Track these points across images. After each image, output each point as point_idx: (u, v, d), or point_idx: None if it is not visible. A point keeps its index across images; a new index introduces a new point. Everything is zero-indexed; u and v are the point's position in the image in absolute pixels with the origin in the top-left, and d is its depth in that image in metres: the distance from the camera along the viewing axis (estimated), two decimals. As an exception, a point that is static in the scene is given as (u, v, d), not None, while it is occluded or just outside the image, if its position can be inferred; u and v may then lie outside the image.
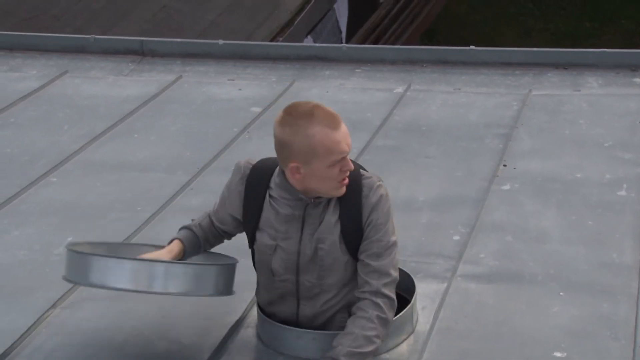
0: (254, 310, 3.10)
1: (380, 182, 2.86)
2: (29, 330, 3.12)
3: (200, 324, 3.11)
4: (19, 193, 4.03)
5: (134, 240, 3.63)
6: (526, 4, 18.30)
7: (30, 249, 3.61)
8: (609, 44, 14.17)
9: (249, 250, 2.99)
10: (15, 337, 3.08)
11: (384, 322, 2.80)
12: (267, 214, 2.88)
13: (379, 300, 2.80)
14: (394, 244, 2.85)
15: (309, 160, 2.76)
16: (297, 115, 2.76)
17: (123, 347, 3.02)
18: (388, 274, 2.82)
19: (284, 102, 3.16)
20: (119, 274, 2.81)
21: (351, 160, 2.82)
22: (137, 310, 3.20)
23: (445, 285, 3.29)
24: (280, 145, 2.80)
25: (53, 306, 3.24)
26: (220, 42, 5.51)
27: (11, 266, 3.50)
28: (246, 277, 3.03)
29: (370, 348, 2.76)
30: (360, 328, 2.77)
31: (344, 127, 2.78)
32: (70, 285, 3.32)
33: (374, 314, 2.78)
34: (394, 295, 2.84)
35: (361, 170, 2.88)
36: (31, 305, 3.24)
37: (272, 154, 2.92)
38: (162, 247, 3.00)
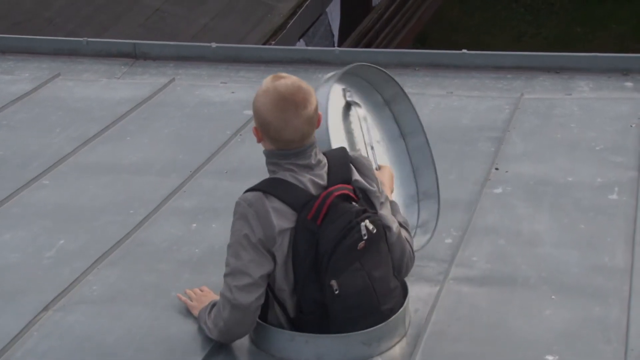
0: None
1: (239, 200, 2.87)
2: (20, 332, 3.11)
3: (193, 327, 3.10)
4: (11, 195, 4.01)
5: (127, 242, 3.62)
6: (518, 8, 18.34)
7: (23, 252, 3.60)
8: (601, 48, 14.19)
9: None
10: (7, 340, 3.07)
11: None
12: None
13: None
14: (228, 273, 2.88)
15: None
16: (297, 84, 2.87)
17: (115, 350, 3.01)
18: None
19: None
20: None
21: None
22: (129, 313, 3.20)
23: (437, 288, 3.28)
24: (311, 119, 2.87)
25: (45, 309, 3.23)
26: (213, 45, 5.50)
27: (3, 269, 3.49)
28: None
29: None
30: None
31: None
32: (63, 287, 3.32)
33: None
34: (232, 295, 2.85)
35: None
36: (23, 308, 3.23)
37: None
38: None
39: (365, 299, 2.87)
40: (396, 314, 2.96)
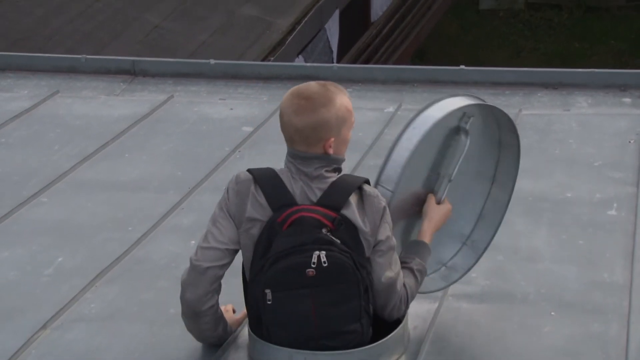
0: (245, 331, 3.08)
1: (235, 175, 2.96)
2: (19, 351, 3.09)
3: (191, 345, 3.09)
4: (10, 213, 4.01)
5: (125, 259, 3.62)
6: (516, 24, 18.39)
7: (21, 270, 3.59)
8: (599, 64, 14.21)
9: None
10: (5, 359, 3.05)
11: None
12: None
13: None
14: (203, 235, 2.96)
15: (340, 130, 2.92)
16: (319, 95, 2.88)
17: (113, 368, 3.01)
18: None
19: (275, 122, 3.16)
20: None
21: None
22: (128, 331, 3.19)
23: (436, 304, 3.27)
24: (314, 128, 2.86)
25: (43, 327, 3.22)
26: (212, 61, 5.51)
27: (1, 287, 3.48)
28: (237, 297, 3.01)
29: None
30: None
31: None
32: (61, 305, 3.31)
33: None
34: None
35: None
36: (21, 326, 3.22)
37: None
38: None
39: (300, 326, 2.83)
40: (395, 331, 2.95)
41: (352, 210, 2.86)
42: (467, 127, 3.14)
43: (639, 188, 4.03)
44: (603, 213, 3.85)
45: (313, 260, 2.77)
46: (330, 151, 2.91)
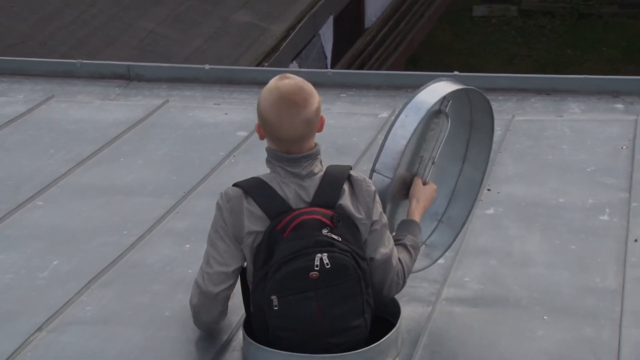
0: (240, 334, 3.09)
1: (222, 193, 2.96)
2: (14, 353, 3.10)
3: (186, 348, 3.10)
4: (5, 217, 4.01)
5: (120, 263, 3.62)
6: (509, 31, 18.44)
7: (16, 273, 3.59)
8: (591, 70, 14.27)
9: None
10: (0, 361, 3.06)
11: None
12: None
13: None
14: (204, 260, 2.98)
15: (319, 120, 2.97)
16: (302, 91, 2.90)
17: (108, 371, 3.01)
18: None
19: (270, 127, 3.19)
20: None
21: None
22: (123, 334, 3.19)
23: (430, 308, 3.28)
24: (308, 126, 2.90)
25: (39, 329, 3.22)
26: (207, 66, 5.51)
27: (-4, 290, 3.49)
28: (232, 300, 3.03)
29: None
30: None
31: None
32: (56, 308, 3.31)
33: None
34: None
35: None
36: (17, 329, 3.22)
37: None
38: None
39: (307, 327, 2.85)
40: (389, 334, 2.96)
41: (346, 199, 2.92)
42: (447, 110, 3.23)
43: (631, 194, 4.04)
44: (595, 218, 3.86)
45: (316, 263, 2.81)
46: (314, 144, 2.95)
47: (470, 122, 3.39)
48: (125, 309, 3.34)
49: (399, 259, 3.06)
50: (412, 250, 3.12)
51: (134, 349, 3.11)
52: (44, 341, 3.17)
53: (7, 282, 3.54)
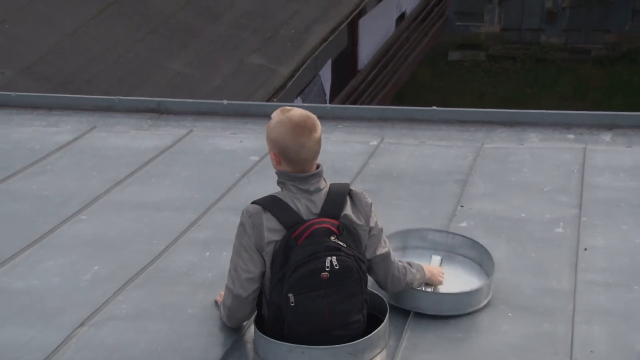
0: (251, 329, 3.07)
1: (244, 210, 2.91)
2: (61, 345, 3.08)
3: (206, 340, 3.07)
4: (54, 229, 3.99)
5: (150, 268, 3.60)
6: (479, 73, 18.50)
7: (63, 276, 3.57)
8: (547, 106, 14.30)
9: None
10: (49, 351, 3.04)
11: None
12: None
13: None
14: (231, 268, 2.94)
15: None
16: (311, 118, 2.89)
17: (140, 360, 2.98)
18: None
19: (278, 153, 3.18)
20: None
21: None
22: (152, 328, 3.17)
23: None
24: (320, 141, 2.89)
25: (82, 324, 3.20)
26: (225, 102, 5.51)
27: (47, 290, 3.46)
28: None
29: None
30: None
31: None
32: (97, 306, 3.29)
33: None
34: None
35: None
36: (63, 324, 3.20)
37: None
38: None
39: (318, 322, 2.84)
40: (377, 329, 2.94)
41: (348, 210, 2.92)
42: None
43: (581, 210, 4.02)
44: (552, 230, 3.84)
45: (327, 265, 2.80)
46: (319, 165, 2.95)
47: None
48: (154, 307, 3.32)
49: (399, 261, 3.10)
50: (409, 265, 3.15)
51: (162, 341, 3.09)
52: (86, 334, 3.15)
53: (56, 283, 3.52)
